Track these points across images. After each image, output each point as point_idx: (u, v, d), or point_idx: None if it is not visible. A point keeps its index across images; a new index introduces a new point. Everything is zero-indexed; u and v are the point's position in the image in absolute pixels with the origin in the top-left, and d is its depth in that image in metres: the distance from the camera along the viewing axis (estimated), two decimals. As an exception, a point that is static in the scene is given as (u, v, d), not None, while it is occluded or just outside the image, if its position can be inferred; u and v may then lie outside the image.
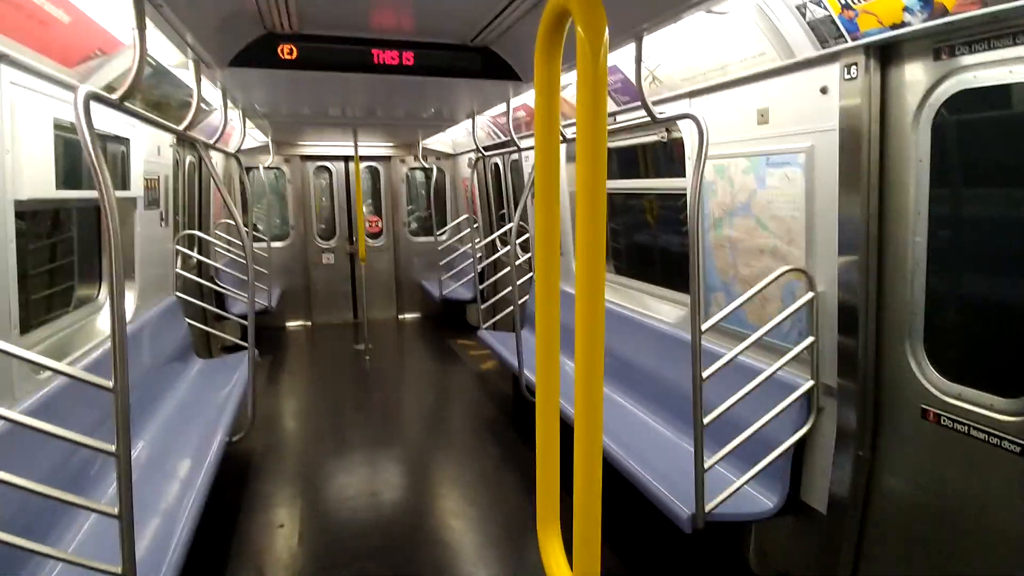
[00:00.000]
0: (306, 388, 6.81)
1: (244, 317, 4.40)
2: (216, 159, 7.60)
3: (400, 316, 9.91)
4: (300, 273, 9.44)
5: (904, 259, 2.51)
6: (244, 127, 5.60)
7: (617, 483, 3.42)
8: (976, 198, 2.44)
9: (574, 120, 4.60)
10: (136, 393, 3.82)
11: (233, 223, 6.94)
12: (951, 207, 2.43)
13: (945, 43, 2.25)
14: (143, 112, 3.08)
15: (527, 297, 6.35)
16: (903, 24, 2.19)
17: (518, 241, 5.80)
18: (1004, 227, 2.37)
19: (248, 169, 8.72)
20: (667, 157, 4.81)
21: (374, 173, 9.68)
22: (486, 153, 6.28)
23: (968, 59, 2.18)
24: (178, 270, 5.54)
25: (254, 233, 8.56)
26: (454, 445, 5.24)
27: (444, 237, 9.24)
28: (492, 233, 7.96)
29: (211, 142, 4.46)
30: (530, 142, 5.43)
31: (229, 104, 4.78)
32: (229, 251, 7.56)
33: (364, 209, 9.62)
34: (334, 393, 6.57)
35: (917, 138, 2.40)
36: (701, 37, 3.01)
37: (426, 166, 9.34)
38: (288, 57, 3.59)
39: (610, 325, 4.90)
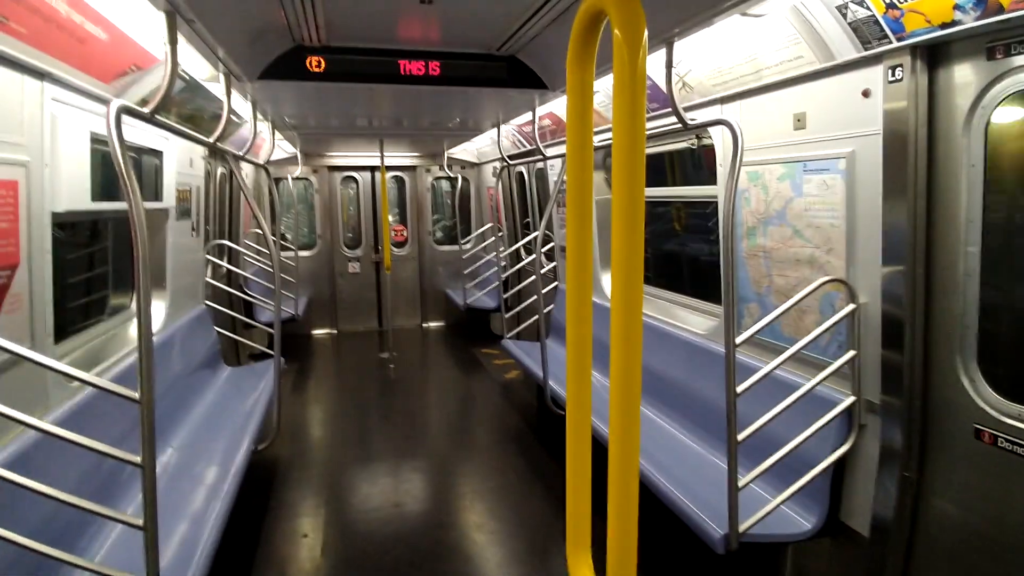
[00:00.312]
0: (331, 396, 6.83)
1: (271, 325, 4.42)
2: (246, 170, 7.72)
3: (424, 324, 9.91)
4: (327, 282, 9.53)
5: (955, 269, 2.38)
6: (273, 138, 5.67)
7: (647, 501, 3.31)
8: (1032, 205, 2.31)
9: (601, 127, 4.55)
10: (166, 400, 3.88)
11: (261, 233, 7.02)
12: (1007, 214, 2.29)
13: (1000, 42, 2.14)
14: (174, 125, 3.12)
15: (551, 307, 6.27)
16: (954, 23, 2.08)
17: (543, 250, 5.74)
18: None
19: (277, 180, 8.86)
20: (695, 164, 4.72)
21: (400, 183, 9.74)
22: (511, 162, 6.24)
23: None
24: (208, 279, 5.60)
25: (282, 243, 8.67)
26: (478, 455, 5.17)
27: (469, 246, 9.23)
28: (517, 242, 7.92)
29: (241, 153, 4.51)
30: (555, 151, 5.37)
31: (259, 116, 4.84)
32: (258, 260, 7.64)
33: (390, 218, 9.68)
34: (359, 401, 6.58)
35: (969, 142, 2.28)
36: (733, 41, 2.93)
37: (451, 175, 9.36)
38: (316, 69, 3.62)
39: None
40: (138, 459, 2.05)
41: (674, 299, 4.73)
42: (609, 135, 4.04)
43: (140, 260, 2.00)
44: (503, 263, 7.69)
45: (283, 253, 8.55)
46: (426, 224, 9.77)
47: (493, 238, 8.49)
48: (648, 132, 3.81)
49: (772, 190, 3.13)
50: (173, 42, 2.36)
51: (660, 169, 5.03)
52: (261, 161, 5.78)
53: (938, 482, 2.56)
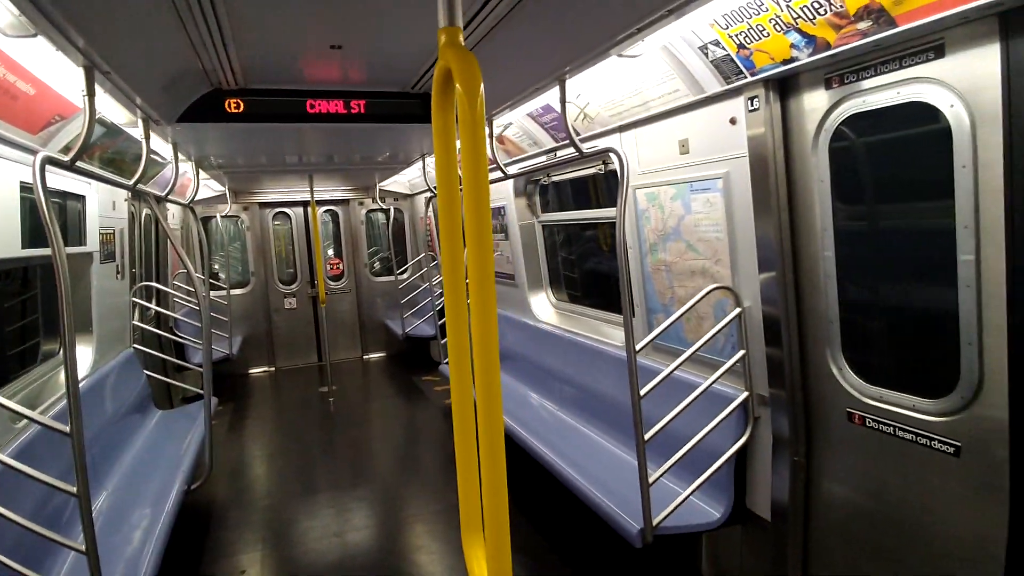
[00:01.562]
0: (269, 433, 6.73)
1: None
2: (175, 210, 7.62)
3: (365, 356, 9.88)
4: (262, 319, 9.40)
5: (816, 272, 2.70)
6: (198, 178, 5.68)
7: (576, 504, 3.50)
8: (874, 212, 2.65)
9: (518, 156, 4.80)
10: (98, 445, 3.83)
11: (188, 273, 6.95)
12: (853, 222, 2.63)
13: (835, 73, 2.49)
14: (94, 171, 3.18)
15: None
16: (792, 59, 2.42)
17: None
18: (902, 237, 2.58)
19: (207, 218, 8.75)
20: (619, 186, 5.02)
21: (334, 216, 9.78)
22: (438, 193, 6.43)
23: (857, 86, 2.41)
24: (135, 322, 5.50)
25: (213, 281, 8.53)
26: (420, 480, 5.23)
27: (405, 276, 9.32)
28: (452, 269, 8.06)
29: (163, 195, 4.53)
30: (479, 179, 5.60)
31: (181, 157, 4.87)
32: (188, 301, 7.51)
33: (325, 252, 9.68)
34: (298, 437, 6.51)
35: (817, 160, 2.62)
36: (623, 77, 3.23)
37: (384, 207, 9.47)
38: (235, 111, 3.75)
39: (566, 354, 5.05)
40: (74, 489, 2.19)
41: (600, 316, 5.00)
42: (527, 163, 4.30)
43: (64, 304, 2.10)
44: (437, 291, 7.82)
45: (215, 292, 8.42)
46: (362, 256, 9.81)
47: (427, 267, 8.63)
48: (554, 160, 4.10)
49: (667, 209, 3.43)
50: (91, 94, 2.50)
51: (585, 192, 5.32)
52: (186, 201, 5.76)
53: (823, 464, 2.85)
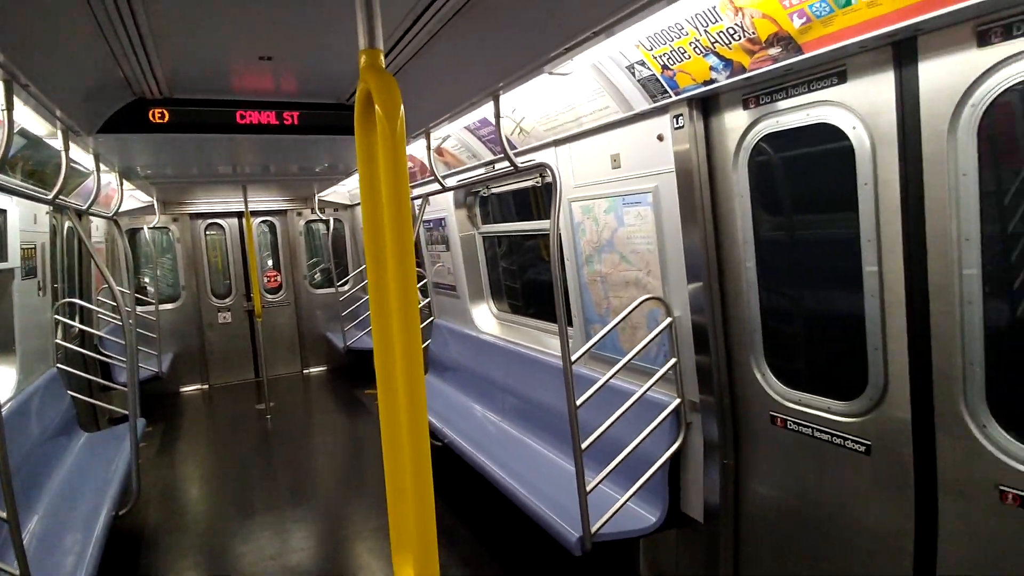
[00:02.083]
0: (203, 454, 6.45)
1: None
2: (99, 222, 7.23)
3: (305, 371, 9.62)
4: (195, 335, 9.01)
5: (740, 282, 2.83)
6: (122, 189, 5.43)
7: (518, 514, 3.51)
8: (791, 225, 2.81)
9: (457, 168, 4.82)
10: (24, 469, 3.61)
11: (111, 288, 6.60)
12: (772, 234, 2.77)
13: (751, 94, 2.63)
14: (10, 185, 3.01)
15: (428, 341, 6.40)
16: (712, 81, 2.53)
17: (417, 286, 5.88)
18: (816, 248, 2.74)
19: (134, 230, 8.35)
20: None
21: (271, 227, 9.50)
22: (378, 203, 6.36)
23: (772, 107, 2.55)
24: (58, 340, 5.19)
25: (140, 296, 8.12)
26: (363, 497, 5.13)
27: (346, 287, 9.15)
28: (394, 280, 7.97)
29: (85, 207, 4.30)
30: (420, 191, 5.58)
31: (104, 168, 4.65)
32: (113, 318, 7.12)
33: (263, 264, 9.39)
34: (233, 457, 6.26)
35: (738, 176, 2.75)
36: (558, 93, 3.30)
37: (324, 218, 9.28)
38: (159, 121, 3.62)
39: (508, 364, 5.08)
40: (3, 514, 2.17)
41: (541, 326, 5.05)
42: (468, 175, 4.32)
43: None
44: (380, 302, 7.71)
45: (142, 308, 8.02)
46: (301, 268, 9.57)
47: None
48: (492, 173, 4.13)
49: (602, 221, 3.51)
50: (10, 107, 2.40)
51: (526, 203, 5.38)
52: (110, 213, 5.49)
53: (750, 466, 2.97)
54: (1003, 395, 2.03)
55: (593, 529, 2.89)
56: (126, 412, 4.81)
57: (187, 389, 8.95)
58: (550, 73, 2.74)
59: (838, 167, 2.35)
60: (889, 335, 2.27)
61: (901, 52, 2.07)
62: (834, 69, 2.26)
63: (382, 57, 1.33)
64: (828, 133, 2.37)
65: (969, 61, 1.90)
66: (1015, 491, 1.96)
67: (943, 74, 1.97)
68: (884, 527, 2.39)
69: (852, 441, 2.45)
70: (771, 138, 2.64)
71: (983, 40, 1.86)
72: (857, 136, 2.24)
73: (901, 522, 2.33)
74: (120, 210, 5.61)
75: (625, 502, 3.00)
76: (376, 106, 1.21)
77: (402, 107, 1.23)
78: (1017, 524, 1.97)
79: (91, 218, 6.67)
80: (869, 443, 2.39)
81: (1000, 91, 1.86)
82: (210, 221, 9.12)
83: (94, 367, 6.30)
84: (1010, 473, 1.97)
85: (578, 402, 2.86)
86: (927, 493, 2.24)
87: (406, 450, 1.31)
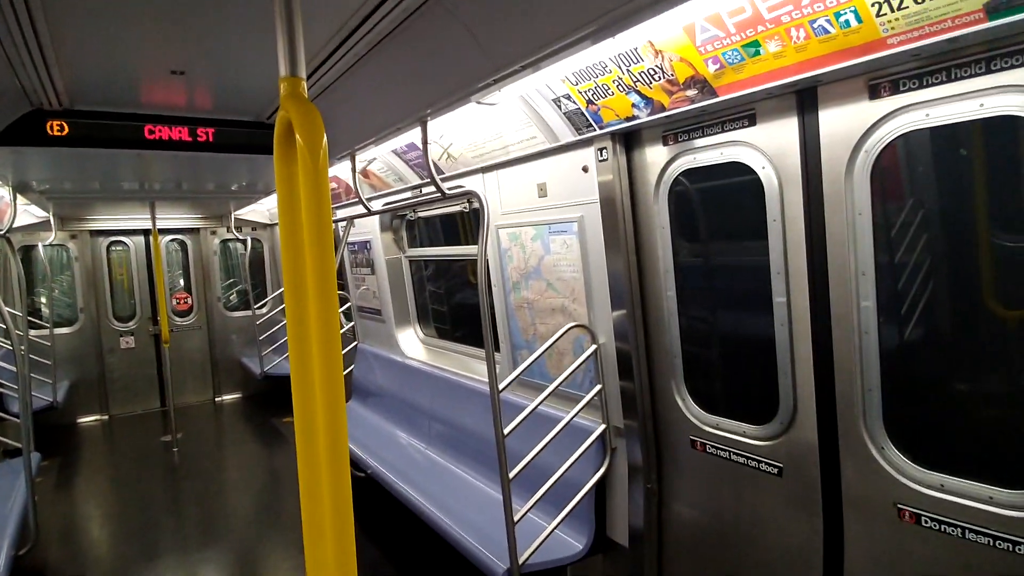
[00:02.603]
0: (104, 491, 5.93)
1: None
2: None
3: (217, 398, 9.06)
4: (93, 361, 8.29)
5: (661, 310, 2.92)
6: (15, 205, 4.97)
7: (443, 546, 3.42)
8: (708, 256, 2.94)
9: (383, 191, 4.73)
10: None
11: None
12: (691, 264, 2.89)
13: (670, 131, 2.75)
14: None
15: (352, 367, 6.21)
16: (634, 117, 2.63)
17: (340, 310, 5.70)
18: (732, 279, 2.87)
19: (28, 247, 7.64)
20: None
21: (182, 246, 8.96)
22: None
23: (689, 144, 2.68)
24: None
25: (32, 320, 7.41)
26: (278, 534, 4.84)
27: (264, 310, 8.75)
28: (316, 303, 7.71)
29: None
30: (343, 212, 5.46)
31: None
32: (4, 342, 6.45)
33: (173, 284, 8.82)
34: (136, 493, 5.78)
35: (658, 208, 2.86)
36: (486, 121, 3.32)
37: (240, 237, 8.86)
38: (58, 134, 3.38)
39: (435, 390, 4.99)
40: None
41: (468, 351, 5.01)
42: (394, 198, 4.24)
43: None
44: (302, 326, 7.42)
45: (36, 331, 7.32)
46: (215, 289, 9.06)
47: (291, 300, 8.17)
48: (418, 197, 4.10)
49: (528, 249, 3.55)
50: None
51: (454, 228, 5.35)
52: (2, 230, 5.01)
53: (672, 489, 3.05)
54: (898, 419, 2.19)
55: (521, 559, 2.86)
56: (19, 445, 4.36)
57: (85, 420, 8.21)
58: (478, 102, 2.76)
59: (750, 202, 2.49)
60: (797, 362, 2.40)
61: (804, 100, 2.23)
62: (745, 112, 2.41)
63: (304, 85, 1.29)
64: (742, 169, 2.51)
65: (863, 111, 2.07)
66: (910, 508, 2.11)
67: (840, 121, 2.14)
68: (795, 544, 2.50)
69: (766, 464, 2.56)
70: (690, 172, 2.77)
71: (874, 93, 2.04)
72: (766, 175, 2.39)
73: (811, 539, 2.45)
74: (13, 227, 5.13)
75: (553, 530, 2.99)
76: (297, 135, 1.17)
77: (325, 137, 1.19)
78: (913, 538, 2.12)
79: None
80: (781, 465, 2.51)
81: (890, 139, 2.04)
82: (113, 239, 8.49)
83: None
84: (906, 492, 2.13)
85: (506, 430, 2.84)
86: (833, 512, 2.37)
87: (325, 482, 1.26)
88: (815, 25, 1.88)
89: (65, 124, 3.40)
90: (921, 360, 2.24)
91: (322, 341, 1.23)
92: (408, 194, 4.60)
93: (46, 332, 7.33)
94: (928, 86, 1.92)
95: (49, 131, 3.37)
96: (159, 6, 2.25)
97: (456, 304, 5.81)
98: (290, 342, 1.40)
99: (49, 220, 7.01)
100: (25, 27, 2.28)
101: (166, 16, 2.36)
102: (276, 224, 8.87)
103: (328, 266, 1.21)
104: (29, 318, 6.91)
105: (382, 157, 4.30)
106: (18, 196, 5.17)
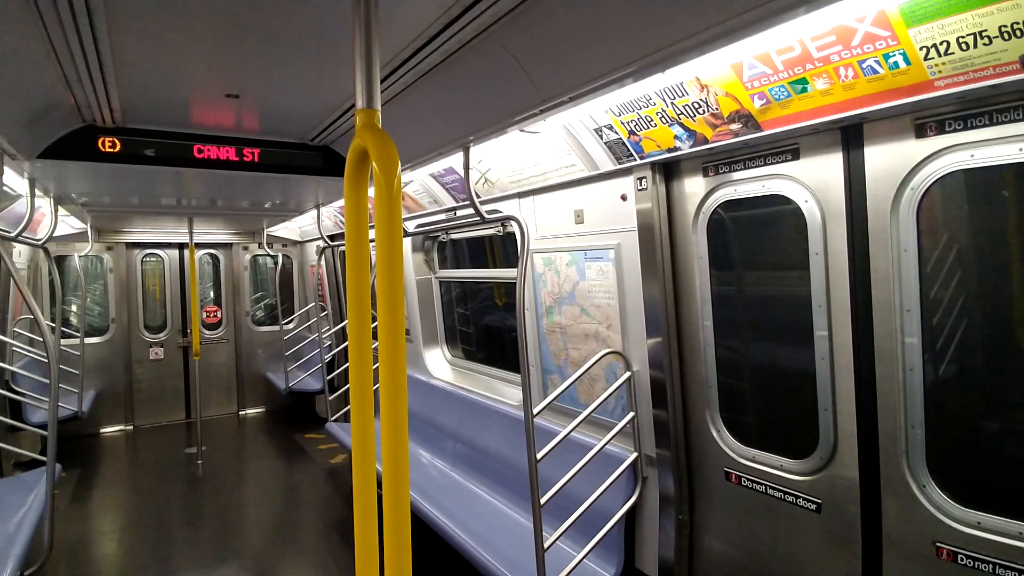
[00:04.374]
0: (124, 503, 5.96)
1: (45, 427, 3.86)
2: (21, 246, 6.77)
3: (242, 412, 9.16)
4: (121, 371, 8.45)
5: (697, 339, 2.92)
6: (56, 216, 5.13)
7: (462, 564, 3.40)
8: (747, 287, 2.94)
9: (417, 212, 4.81)
10: None
11: (34, 319, 6.14)
12: (729, 295, 2.90)
13: (711, 163, 2.78)
14: None
15: (376, 386, 6.24)
16: (675, 148, 2.67)
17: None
18: (771, 311, 2.87)
19: (62, 257, 7.86)
20: (515, 246, 5.16)
21: (214, 260, 9.16)
22: (331, 243, 6.28)
23: (729, 176, 2.71)
24: None
25: (64, 329, 7.59)
26: (298, 551, 4.85)
27: (291, 326, 8.86)
28: (342, 320, 7.81)
29: (12, 234, 4.03)
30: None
31: (39, 193, 4.41)
32: (30, 351, 6.60)
33: (204, 298, 9.00)
34: (158, 506, 5.82)
35: (697, 238, 2.88)
36: (525, 148, 3.39)
37: (271, 253, 9.04)
38: (110, 150, 3.49)
39: (460, 412, 5.00)
40: None
41: (495, 374, 5.03)
42: (427, 219, 4.30)
43: None
44: (327, 343, 7.51)
45: (66, 341, 7.49)
46: (244, 304, 9.22)
47: (316, 318, 8.29)
48: (454, 220, 4.16)
49: (563, 274, 3.58)
50: None
51: (482, 251, 5.40)
52: (40, 239, 5.16)
53: (704, 521, 3.01)
54: (941, 457, 2.16)
55: (549, 587, 2.84)
56: (36, 456, 4.41)
57: (108, 430, 8.33)
58: (521, 130, 2.82)
59: (791, 235, 2.51)
60: (839, 397, 2.38)
61: (849, 136, 2.26)
62: (789, 146, 2.43)
63: (379, 116, 1.35)
64: (781, 201, 2.53)
65: (909, 149, 2.09)
66: (948, 547, 2.08)
67: (886, 159, 2.16)
68: None
69: (804, 499, 2.53)
70: (730, 204, 2.79)
71: (920, 132, 2.05)
72: (809, 209, 2.40)
73: None
74: (53, 236, 5.29)
75: (583, 559, 2.97)
76: (373, 163, 1.23)
77: (399, 165, 1.24)
78: None
79: (13, 244, 6.27)
80: (820, 501, 2.47)
81: (937, 177, 2.05)
82: (148, 252, 8.71)
83: (1, 406, 5.80)
84: (944, 530, 2.10)
85: (538, 455, 2.84)
86: (872, 550, 2.33)
87: (388, 510, 1.27)
88: (864, 65, 1.91)
89: (117, 141, 3.53)
90: (965, 397, 2.22)
91: (388, 361, 1.26)
92: (442, 216, 4.68)
93: (76, 341, 7.49)
94: (972, 128, 1.94)
95: (101, 147, 3.50)
96: (219, 31, 2.35)
97: (483, 326, 5.84)
98: (351, 360, 1.44)
99: (87, 231, 7.22)
100: (87, 46, 2.37)
101: (225, 41, 2.45)
102: (307, 242, 9.04)
103: (397, 284, 1.26)
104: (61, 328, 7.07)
105: (419, 179, 4.38)
106: (58, 208, 5.34)
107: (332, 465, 6.81)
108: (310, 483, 6.42)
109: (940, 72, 1.79)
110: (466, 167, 3.14)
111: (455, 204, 4.39)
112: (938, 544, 2.11)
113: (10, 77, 2.52)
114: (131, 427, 8.47)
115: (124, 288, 8.52)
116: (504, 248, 5.34)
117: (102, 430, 8.27)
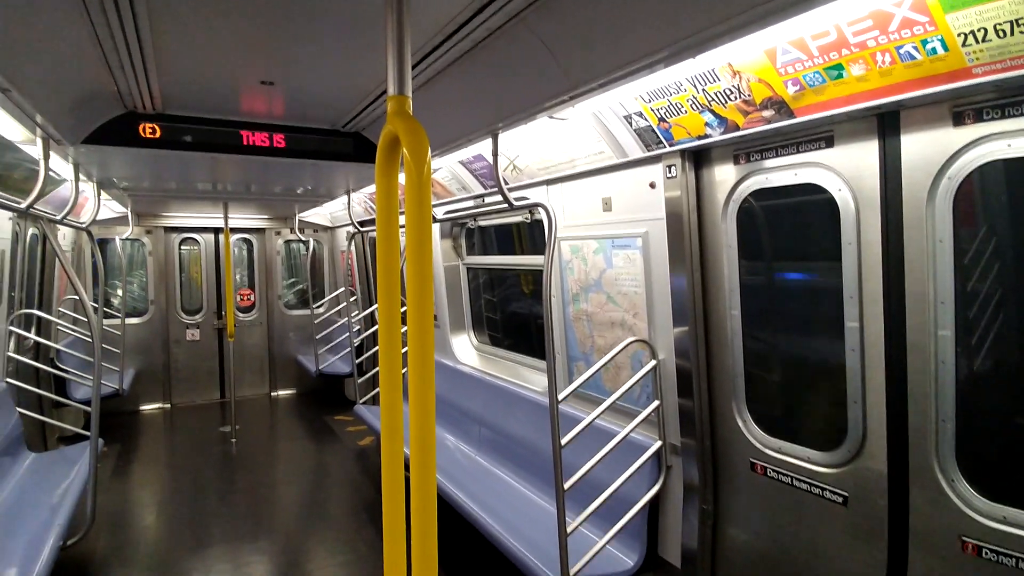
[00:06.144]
0: (161, 478, 6.21)
1: (88, 403, 4.03)
2: (64, 230, 7.03)
3: (273, 393, 9.40)
4: (159, 351, 8.75)
5: (724, 329, 2.91)
6: (99, 199, 5.31)
7: (493, 555, 3.46)
8: (776, 277, 2.91)
9: (446, 199, 4.84)
10: None
11: (79, 299, 6.38)
12: (758, 285, 2.87)
13: (743, 150, 2.74)
14: None
15: (405, 369, 6.34)
16: (706, 136, 2.64)
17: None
18: (800, 301, 2.84)
19: (104, 240, 8.14)
20: (542, 234, 5.17)
21: (248, 245, 9.38)
22: (362, 229, 6.37)
23: (761, 164, 2.67)
24: (10, 353, 4.97)
25: (106, 310, 7.88)
26: (327, 529, 4.99)
27: (322, 310, 9.03)
28: (371, 305, 7.94)
29: (59, 217, 4.19)
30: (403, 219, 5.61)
31: (82, 178, 4.56)
32: (75, 330, 6.88)
33: (236, 281, 9.23)
34: (193, 482, 6.04)
35: (726, 227, 2.85)
36: (553, 134, 3.39)
37: (303, 238, 9.21)
38: (150, 136, 3.59)
39: (486, 397, 5.06)
40: None
41: (520, 360, 5.06)
42: (454, 206, 4.34)
43: None
44: (356, 327, 7.64)
45: (108, 321, 7.78)
46: (276, 288, 9.43)
47: (346, 302, 8.43)
48: (482, 207, 4.18)
49: (590, 262, 3.58)
50: None
51: (510, 238, 5.43)
52: (84, 222, 5.36)
53: (728, 511, 3.01)
54: (970, 451, 2.12)
55: (572, 572, 2.87)
56: (79, 431, 4.60)
57: (147, 408, 8.65)
58: (550, 117, 2.82)
59: (823, 224, 2.46)
60: (869, 389, 2.35)
61: (885, 123, 2.20)
62: (823, 134, 2.39)
63: (410, 103, 1.37)
64: (812, 190, 2.49)
65: (946, 138, 2.03)
66: (974, 541, 2.06)
67: (923, 147, 2.11)
68: None
69: (830, 491, 2.51)
70: (761, 192, 2.75)
71: (958, 120, 2.00)
72: (842, 197, 2.36)
73: (873, 572, 2.38)
74: (96, 219, 5.48)
75: (605, 545, 2.99)
76: (404, 150, 1.25)
77: (429, 152, 1.27)
78: (973, 571, 2.07)
79: (58, 227, 6.50)
80: (847, 494, 2.45)
81: (974, 167, 1.99)
82: (185, 236, 8.96)
83: (47, 382, 6.06)
84: (970, 524, 2.07)
85: (563, 441, 2.87)
86: (899, 544, 2.30)
87: (415, 489, 1.31)
88: (901, 51, 1.87)
89: (157, 127, 3.63)
90: (997, 392, 2.17)
91: (417, 346, 1.30)
92: (470, 203, 4.70)
93: (117, 322, 7.77)
94: (1009, 116, 1.88)
95: (141, 133, 3.60)
96: (256, 19, 2.39)
97: (510, 312, 5.87)
98: (381, 344, 1.48)
99: (127, 215, 7.46)
100: (129, 33, 2.42)
101: (261, 29, 2.50)
102: (337, 227, 9.18)
103: (426, 270, 1.29)
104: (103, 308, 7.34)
105: (447, 166, 4.41)
106: (101, 192, 5.52)
107: (360, 447, 6.95)
108: (339, 464, 6.57)
109: (978, 59, 1.74)
110: (495, 154, 3.16)
111: (483, 191, 4.41)
112: (964, 538, 2.09)
113: (56, 64, 2.61)
114: (168, 405, 8.77)
115: (162, 271, 8.80)
116: (531, 235, 5.35)
117: (141, 407, 8.59)
